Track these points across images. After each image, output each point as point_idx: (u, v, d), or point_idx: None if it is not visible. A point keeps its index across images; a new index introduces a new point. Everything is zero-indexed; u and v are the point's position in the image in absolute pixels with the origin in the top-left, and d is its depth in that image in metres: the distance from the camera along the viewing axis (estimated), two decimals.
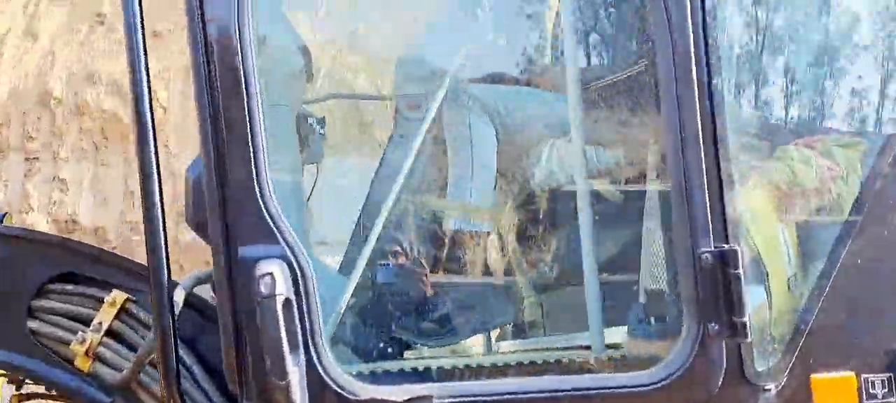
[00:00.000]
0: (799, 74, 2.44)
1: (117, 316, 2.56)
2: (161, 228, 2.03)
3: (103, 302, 2.58)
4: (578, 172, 2.29)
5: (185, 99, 7.68)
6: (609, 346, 2.18)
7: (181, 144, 7.60)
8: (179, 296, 2.39)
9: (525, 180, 2.74)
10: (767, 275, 2.05)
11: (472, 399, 1.89)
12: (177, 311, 2.27)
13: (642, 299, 2.32)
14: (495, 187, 2.77)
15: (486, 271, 2.77)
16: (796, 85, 2.42)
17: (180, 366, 2.20)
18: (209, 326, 2.51)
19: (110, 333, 2.55)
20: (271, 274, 1.84)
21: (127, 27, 2.02)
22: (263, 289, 1.83)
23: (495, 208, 2.75)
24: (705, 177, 1.94)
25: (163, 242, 2.04)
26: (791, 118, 2.37)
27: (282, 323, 1.83)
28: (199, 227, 2.16)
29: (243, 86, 1.92)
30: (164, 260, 2.05)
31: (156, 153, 2.04)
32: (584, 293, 2.31)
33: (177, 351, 2.11)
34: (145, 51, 2.06)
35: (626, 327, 2.23)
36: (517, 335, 2.92)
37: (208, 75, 1.97)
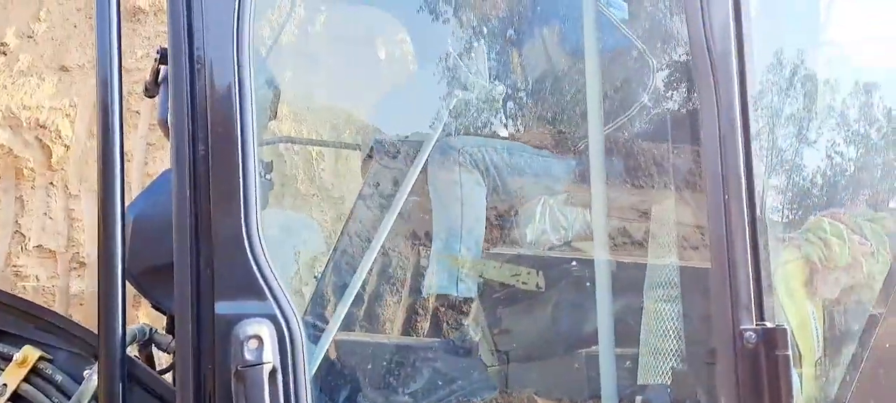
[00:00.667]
0: (824, 146, 2.36)
1: (26, 378, 2.13)
2: (119, 273, 1.66)
3: (10, 359, 2.13)
4: (598, 235, 2.08)
5: (90, 137, 7.15)
6: None
7: (82, 185, 7.00)
8: None
9: (516, 241, 2.51)
10: (800, 358, 1.87)
11: None
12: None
13: (649, 379, 2.12)
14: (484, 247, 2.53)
15: (470, 341, 2.51)
16: (821, 156, 2.34)
17: None
18: (139, 390, 2.13)
19: (16, 398, 2.12)
20: (259, 337, 1.50)
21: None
22: (248, 355, 1.49)
23: (485, 271, 2.50)
24: (748, 246, 1.77)
25: (120, 290, 1.66)
26: (816, 188, 2.27)
27: (268, 395, 1.49)
28: (143, 277, 1.80)
29: (238, 122, 1.61)
30: (120, 313, 1.67)
31: (122, 191, 1.68)
32: (581, 364, 2.08)
33: None
34: (120, 75, 1.71)
35: None
36: None
37: (191, 113, 1.64)
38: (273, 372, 1.53)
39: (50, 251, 6.44)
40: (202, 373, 1.59)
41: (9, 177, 7.28)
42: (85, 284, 6.05)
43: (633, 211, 2.51)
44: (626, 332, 2.21)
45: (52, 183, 6.78)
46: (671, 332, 2.09)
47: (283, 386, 1.55)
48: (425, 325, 2.71)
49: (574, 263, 2.51)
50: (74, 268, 6.25)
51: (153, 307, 2.20)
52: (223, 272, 1.57)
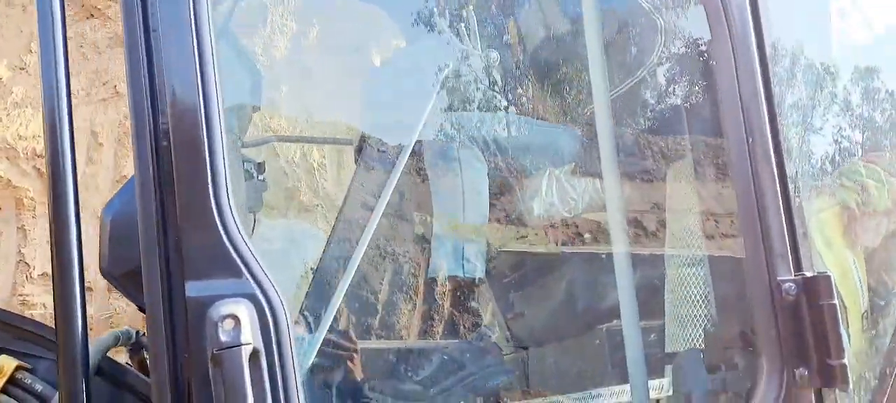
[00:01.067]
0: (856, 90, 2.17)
1: (4, 389, 1.98)
2: (75, 264, 1.50)
3: None
4: (612, 204, 1.91)
5: (89, 163, 7.07)
6: None
7: (83, 211, 6.91)
8: (90, 360, 1.85)
9: (521, 217, 2.34)
10: (845, 311, 1.68)
11: None
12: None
13: (675, 347, 1.94)
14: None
15: (476, 326, 2.34)
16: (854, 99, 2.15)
17: None
18: (128, 396, 1.99)
19: None
20: (235, 316, 1.33)
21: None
22: (224, 337, 1.31)
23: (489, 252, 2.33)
24: (779, 190, 1.59)
25: (78, 285, 1.50)
26: (848, 131, 2.08)
27: (249, 383, 1.31)
28: (125, 279, 1.64)
29: (200, 89, 1.44)
30: (79, 307, 1.51)
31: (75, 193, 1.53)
32: (602, 339, 1.91)
33: None
34: (68, 76, 1.57)
35: (668, 379, 1.82)
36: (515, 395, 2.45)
37: (149, 81, 1.48)
38: (255, 355, 1.36)
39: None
40: (178, 363, 1.42)
41: (9, 207, 7.19)
42: (93, 309, 5.94)
43: (648, 177, 2.34)
44: (648, 304, 2.04)
45: None
46: (698, 298, 1.91)
47: (269, 370, 1.38)
48: (434, 317, 2.55)
49: (587, 236, 2.33)
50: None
51: (139, 309, 2.05)
52: (192, 249, 1.40)
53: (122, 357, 2.42)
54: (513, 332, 2.64)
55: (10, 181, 7.18)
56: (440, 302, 2.82)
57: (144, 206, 1.43)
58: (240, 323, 1.33)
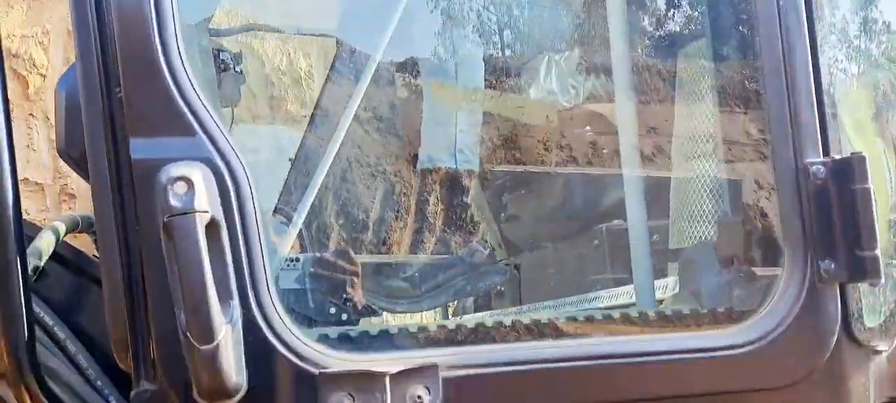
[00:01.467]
0: None
1: None
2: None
3: None
4: (622, 98, 1.72)
5: (67, 63, 6.81)
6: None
7: None
8: (46, 245, 1.69)
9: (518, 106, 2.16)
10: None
11: (495, 368, 1.26)
12: (41, 262, 1.56)
13: (681, 243, 1.79)
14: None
15: (469, 226, 2.19)
16: None
17: (41, 343, 1.48)
18: (90, 287, 1.83)
19: None
20: (187, 178, 1.15)
21: None
22: (175, 201, 1.14)
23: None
24: (810, 68, 1.42)
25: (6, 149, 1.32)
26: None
27: (205, 254, 1.14)
28: (82, 157, 1.45)
29: None
30: (9, 184, 1.33)
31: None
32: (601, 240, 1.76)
33: (30, 318, 1.38)
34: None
35: (675, 277, 1.67)
36: (503, 299, 2.32)
37: None
38: (213, 226, 1.18)
39: (37, 184, 6.13)
40: (128, 234, 1.25)
41: None
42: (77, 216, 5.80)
43: (657, 64, 2.15)
44: (650, 205, 1.89)
45: (32, 114, 6.42)
46: (706, 192, 1.75)
47: (231, 244, 1.21)
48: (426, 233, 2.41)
49: (588, 130, 2.16)
50: (64, 201, 5.99)
51: None
52: (136, 102, 1.20)
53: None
54: (506, 238, 2.49)
55: None
56: (432, 221, 2.68)
57: (83, 54, 1.24)
58: (193, 186, 1.15)
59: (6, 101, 1.37)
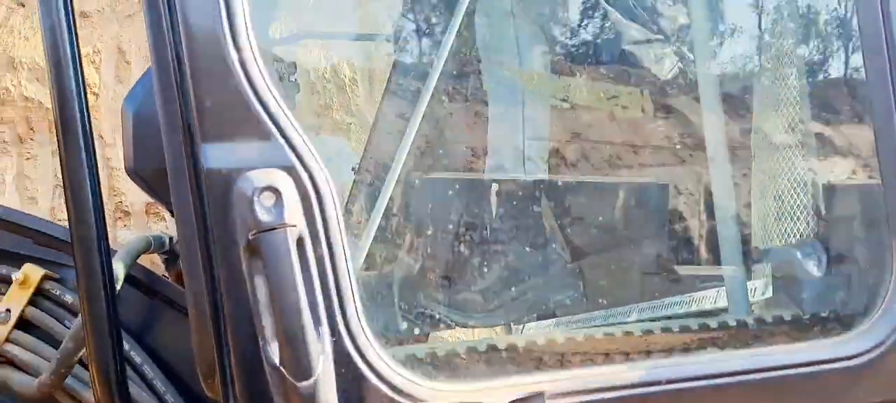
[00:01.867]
0: None
1: (31, 301, 1.80)
2: (85, 154, 1.29)
3: (11, 282, 1.81)
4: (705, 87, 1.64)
5: (118, 82, 6.93)
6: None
7: (116, 132, 6.80)
8: (120, 268, 1.68)
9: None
10: None
11: (604, 394, 1.19)
12: (118, 286, 1.56)
13: (770, 243, 1.70)
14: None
15: (542, 235, 2.12)
16: None
17: (124, 367, 1.48)
18: (164, 309, 1.82)
19: (23, 324, 1.82)
20: (275, 188, 1.08)
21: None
22: (263, 215, 1.07)
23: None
24: None
25: (89, 183, 1.30)
26: None
27: (299, 276, 1.08)
28: (155, 179, 1.44)
29: None
30: (92, 208, 1.31)
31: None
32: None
33: (119, 343, 1.37)
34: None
35: (764, 279, 1.59)
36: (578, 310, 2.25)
37: None
38: (299, 243, 1.12)
39: None
40: (211, 257, 1.21)
41: (42, 130, 7.11)
42: (132, 234, 5.88)
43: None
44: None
45: None
46: (800, 185, 1.66)
47: (317, 263, 1.14)
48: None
49: (660, 123, 2.08)
50: (119, 218, 6.10)
51: (170, 212, 1.87)
52: (209, 105, 1.13)
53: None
54: (569, 241, 2.41)
55: (41, 103, 7.09)
56: (503, 231, 2.61)
57: (160, 63, 1.18)
58: (282, 197, 1.08)
59: (90, 136, 1.35)
